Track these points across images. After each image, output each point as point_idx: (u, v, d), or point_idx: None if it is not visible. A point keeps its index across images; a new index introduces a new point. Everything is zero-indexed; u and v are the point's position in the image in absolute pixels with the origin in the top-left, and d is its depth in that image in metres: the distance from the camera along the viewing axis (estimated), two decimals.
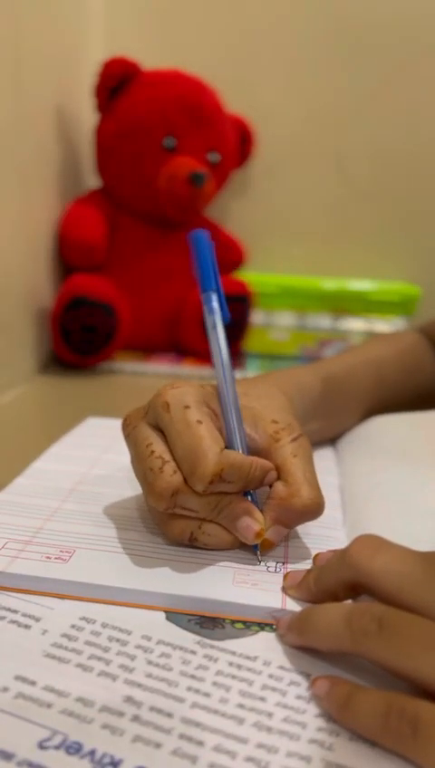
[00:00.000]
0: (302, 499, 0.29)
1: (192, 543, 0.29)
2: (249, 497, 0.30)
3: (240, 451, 0.30)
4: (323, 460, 0.43)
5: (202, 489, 0.27)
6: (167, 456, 0.28)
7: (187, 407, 0.29)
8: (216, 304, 0.33)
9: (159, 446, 0.29)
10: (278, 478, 0.30)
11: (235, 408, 0.31)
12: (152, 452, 0.28)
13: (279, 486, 0.29)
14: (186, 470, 0.27)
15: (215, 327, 0.33)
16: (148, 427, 0.30)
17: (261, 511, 0.29)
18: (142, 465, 0.29)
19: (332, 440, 0.46)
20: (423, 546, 0.24)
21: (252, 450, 0.31)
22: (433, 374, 0.53)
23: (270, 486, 0.30)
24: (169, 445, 0.29)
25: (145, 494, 0.28)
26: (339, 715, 0.20)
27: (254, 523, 0.29)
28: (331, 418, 0.44)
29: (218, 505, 0.28)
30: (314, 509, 0.29)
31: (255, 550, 0.30)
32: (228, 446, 0.30)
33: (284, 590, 0.27)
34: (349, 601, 0.24)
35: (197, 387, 0.31)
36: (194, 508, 0.28)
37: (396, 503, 0.34)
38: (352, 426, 0.46)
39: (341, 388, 0.44)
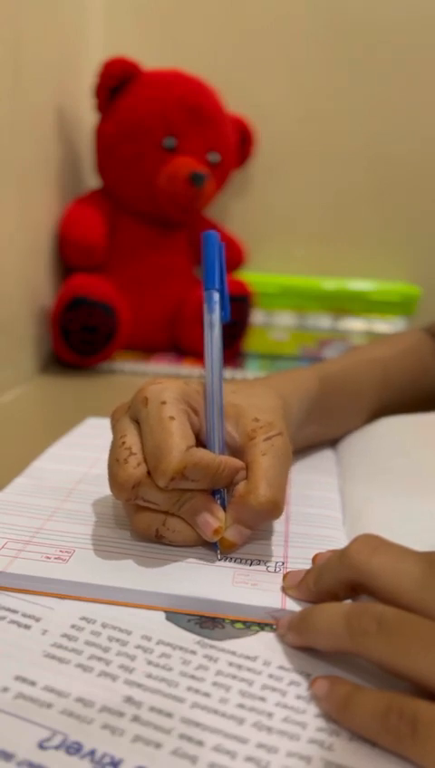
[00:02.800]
0: (257, 497, 0.28)
1: (159, 540, 0.29)
2: (218, 495, 0.30)
3: (216, 449, 0.30)
4: (324, 460, 0.43)
5: (164, 485, 0.27)
6: (135, 449, 0.28)
7: (163, 402, 0.29)
8: (216, 303, 0.33)
9: (131, 439, 0.29)
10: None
11: (218, 407, 0.31)
12: (123, 443, 0.29)
13: (241, 484, 0.29)
14: (151, 465, 0.28)
15: (212, 325, 0.33)
16: (128, 420, 0.30)
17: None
18: (111, 455, 0.29)
19: (333, 441, 0.46)
20: (423, 547, 0.24)
21: (230, 447, 0.31)
22: None
23: None
24: (142, 438, 0.29)
25: (109, 484, 0.29)
26: (338, 715, 0.20)
27: (213, 520, 0.28)
28: (333, 420, 0.44)
29: (180, 500, 0.28)
30: (269, 509, 0.28)
31: (215, 548, 0.29)
32: (206, 442, 0.30)
33: (283, 590, 0.27)
34: (348, 601, 0.24)
35: (178, 383, 0.31)
36: (155, 501, 0.28)
37: (396, 503, 0.34)
38: (357, 427, 0.46)
39: (343, 390, 0.44)
